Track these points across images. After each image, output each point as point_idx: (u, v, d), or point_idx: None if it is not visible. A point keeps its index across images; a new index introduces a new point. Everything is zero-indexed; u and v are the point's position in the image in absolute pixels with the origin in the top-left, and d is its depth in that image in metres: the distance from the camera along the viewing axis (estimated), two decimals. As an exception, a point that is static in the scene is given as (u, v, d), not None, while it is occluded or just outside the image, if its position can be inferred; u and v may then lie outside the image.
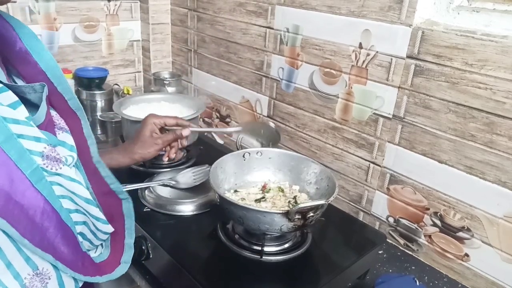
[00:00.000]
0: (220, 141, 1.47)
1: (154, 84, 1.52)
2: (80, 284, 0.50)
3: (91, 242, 0.51)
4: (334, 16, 0.99)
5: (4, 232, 0.39)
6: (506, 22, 0.75)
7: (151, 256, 0.84)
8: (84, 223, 0.49)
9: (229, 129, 0.97)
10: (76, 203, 0.47)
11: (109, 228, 0.51)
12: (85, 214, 0.48)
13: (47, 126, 0.47)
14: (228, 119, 1.43)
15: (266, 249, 0.79)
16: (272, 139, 0.94)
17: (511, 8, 0.75)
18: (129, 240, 0.57)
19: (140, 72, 1.71)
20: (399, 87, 0.90)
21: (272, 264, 0.79)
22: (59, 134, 0.49)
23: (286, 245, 0.83)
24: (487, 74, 0.76)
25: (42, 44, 0.50)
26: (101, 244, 0.54)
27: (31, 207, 0.41)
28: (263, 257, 0.79)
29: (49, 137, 0.45)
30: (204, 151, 1.25)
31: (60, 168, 0.44)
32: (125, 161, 0.86)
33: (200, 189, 1.00)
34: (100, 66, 1.56)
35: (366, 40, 0.94)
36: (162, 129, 0.88)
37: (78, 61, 1.52)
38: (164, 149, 0.89)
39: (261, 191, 0.92)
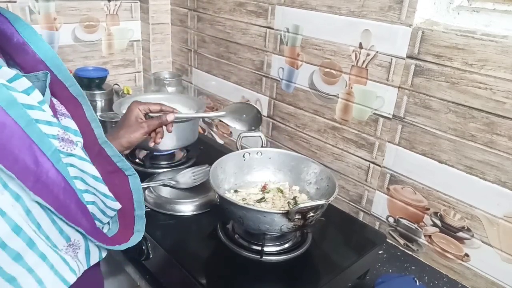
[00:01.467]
0: (220, 141, 1.47)
1: (154, 84, 1.51)
2: (104, 254, 0.53)
3: (100, 221, 0.53)
4: (334, 16, 0.99)
5: (42, 208, 0.42)
6: (506, 22, 0.75)
7: (151, 256, 0.84)
8: (94, 203, 0.52)
9: (212, 114, 0.97)
10: (86, 183, 0.49)
11: (117, 205, 0.54)
12: (94, 194, 0.51)
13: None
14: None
15: (266, 249, 0.79)
16: (255, 120, 0.95)
17: (511, 8, 0.75)
18: (139, 212, 0.59)
19: (140, 72, 1.71)
20: (399, 87, 0.90)
21: (272, 264, 0.79)
22: (61, 119, 0.51)
23: (286, 245, 0.83)
24: (487, 74, 0.76)
25: (38, 35, 0.52)
26: (108, 222, 0.57)
27: (55, 186, 0.43)
28: (263, 257, 0.79)
29: None
30: (204, 151, 1.25)
31: (74, 149, 0.47)
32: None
33: (200, 189, 1.00)
34: (100, 66, 1.56)
35: (366, 40, 0.94)
36: (147, 116, 0.88)
37: (78, 61, 1.52)
38: (150, 135, 0.89)
39: (261, 192, 0.92)
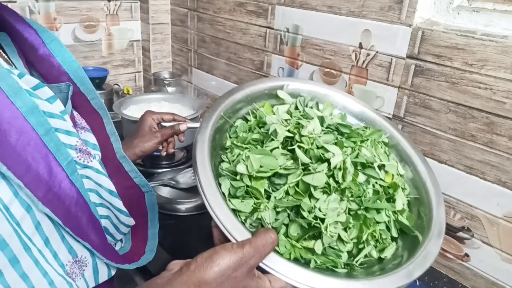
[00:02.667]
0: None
1: (154, 84, 1.52)
2: (113, 272, 0.51)
3: (113, 237, 0.53)
4: (334, 16, 0.99)
5: (51, 221, 0.41)
6: (506, 22, 0.75)
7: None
8: (107, 217, 0.51)
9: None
10: (101, 197, 0.49)
11: (131, 221, 0.53)
12: (108, 208, 0.50)
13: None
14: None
15: (266, 249, 0.79)
16: None
17: (511, 8, 0.75)
18: (153, 230, 0.59)
19: (140, 72, 1.71)
20: (399, 87, 0.90)
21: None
22: (81, 133, 0.50)
23: (286, 245, 0.83)
24: (487, 74, 0.76)
25: (64, 47, 0.52)
26: (121, 240, 0.56)
27: (67, 198, 0.42)
28: (263, 257, 0.78)
29: None
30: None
31: (91, 161, 0.46)
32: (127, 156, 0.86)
33: (200, 189, 1.00)
34: (100, 66, 1.56)
35: (366, 40, 0.94)
36: (159, 125, 0.90)
37: (78, 61, 1.49)
38: (161, 145, 0.90)
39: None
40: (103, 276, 0.49)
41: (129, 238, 0.57)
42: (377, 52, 0.92)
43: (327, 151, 0.52)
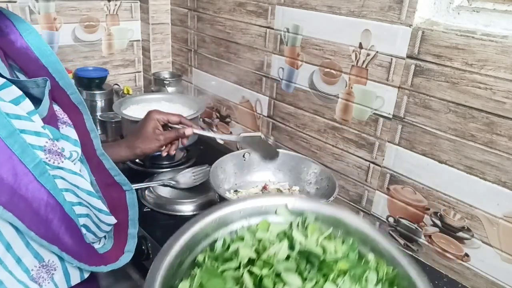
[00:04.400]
0: (220, 141, 1.47)
1: (154, 84, 1.52)
2: (86, 275, 0.50)
3: (95, 235, 0.52)
4: (334, 16, 0.99)
5: (13, 227, 0.40)
6: (506, 22, 0.75)
7: (151, 256, 0.84)
8: (87, 215, 0.50)
9: (228, 137, 0.96)
10: (78, 196, 0.48)
11: (112, 220, 0.52)
12: (87, 207, 0.49)
13: (50, 120, 0.47)
14: (228, 119, 1.43)
15: (266, 249, 0.79)
16: (270, 155, 0.93)
17: (511, 8, 0.75)
18: (133, 230, 0.58)
19: (140, 72, 1.71)
20: (399, 87, 0.90)
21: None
22: (62, 128, 0.49)
23: (286, 245, 0.83)
24: (487, 74, 0.76)
25: (42, 39, 0.51)
26: (105, 236, 0.55)
27: (35, 200, 0.41)
28: (263, 257, 0.78)
29: (52, 132, 0.45)
30: (204, 151, 1.25)
31: (62, 162, 0.45)
32: (126, 155, 0.85)
33: (200, 189, 1.00)
34: (100, 66, 1.56)
35: (366, 40, 0.94)
36: (165, 126, 0.87)
37: (78, 61, 1.52)
38: (165, 145, 0.89)
39: (261, 192, 0.92)
40: (76, 279, 0.49)
41: (112, 236, 0.56)
42: (377, 52, 0.92)
43: (282, 280, 0.46)
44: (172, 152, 0.90)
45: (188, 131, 0.85)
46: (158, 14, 1.57)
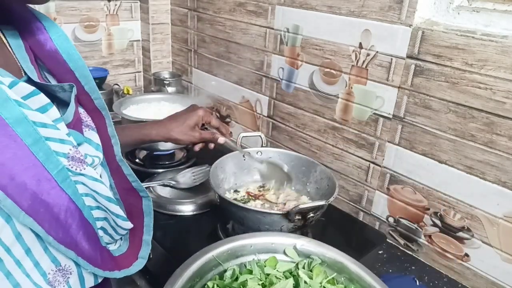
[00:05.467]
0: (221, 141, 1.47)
1: (154, 84, 1.52)
2: (100, 280, 0.51)
3: (111, 237, 0.53)
4: (334, 16, 0.99)
5: (33, 232, 0.41)
6: (506, 22, 0.75)
7: (151, 256, 0.84)
8: (105, 219, 0.51)
9: (255, 157, 0.96)
10: (97, 201, 0.49)
11: (128, 225, 0.53)
12: (105, 211, 0.50)
13: (75, 124, 0.49)
14: (228, 119, 1.43)
15: (266, 249, 0.79)
16: (285, 180, 0.95)
17: (511, 8, 0.75)
18: (147, 237, 0.59)
19: (140, 72, 1.71)
20: (399, 87, 0.90)
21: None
22: (85, 131, 0.50)
23: (286, 245, 0.83)
24: (487, 74, 0.76)
25: (71, 43, 0.51)
26: (120, 238, 0.56)
27: (55, 205, 0.42)
28: (263, 257, 0.78)
29: (75, 136, 0.47)
30: (204, 151, 1.25)
31: (84, 169, 0.46)
32: (157, 138, 0.87)
33: (200, 189, 1.00)
34: (100, 66, 1.56)
35: (366, 40, 0.94)
36: (203, 124, 0.90)
37: (78, 61, 1.52)
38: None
39: (259, 191, 0.92)
40: (89, 282, 0.50)
41: (127, 238, 0.57)
42: (377, 52, 0.92)
43: None
44: (197, 149, 0.92)
45: (221, 140, 0.90)
46: (158, 14, 1.57)
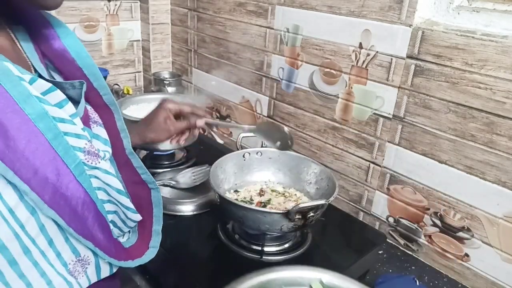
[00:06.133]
0: (220, 141, 1.47)
1: (154, 84, 1.52)
2: (115, 270, 0.54)
3: (120, 229, 0.54)
4: (334, 16, 0.99)
5: (55, 224, 0.43)
6: (506, 22, 0.75)
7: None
8: (115, 212, 0.52)
9: (243, 126, 0.93)
10: (109, 194, 0.50)
11: (138, 217, 0.54)
12: (116, 204, 0.52)
13: (84, 120, 0.50)
14: (228, 119, 1.43)
15: (266, 249, 0.79)
16: (284, 144, 0.92)
17: (511, 8, 0.75)
18: (157, 227, 0.60)
19: (140, 72, 1.71)
20: (399, 87, 0.90)
21: (272, 264, 0.79)
22: (93, 127, 0.51)
23: (286, 245, 0.83)
24: (487, 74, 0.76)
25: (79, 42, 0.52)
26: (129, 231, 0.57)
27: (73, 198, 0.44)
28: (263, 257, 0.79)
29: (87, 131, 0.48)
30: (204, 151, 1.25)
31: (99, 162, 0.48)
32: (135, 142, 0.84)
33: (200, 189, 1.00)
34: (100, 66, 1.56)
35: (366, 40, 0.94)
36: (178, 116, 0.86)
37: (78, 61, 1.52)
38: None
39: (259, 196, 0.92)
40: (105, 273, 0.52)
41: (136, 230, 0.59)
42: (377, 52, 0.92)
43: None
44: (182, 142, 0.89)
45: (200, 122, 0.84)
46: (158, 14, 1.57)
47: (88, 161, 0.46)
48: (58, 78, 0.53)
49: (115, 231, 0.53)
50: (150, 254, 0.58)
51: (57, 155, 0.42)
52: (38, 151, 0.40)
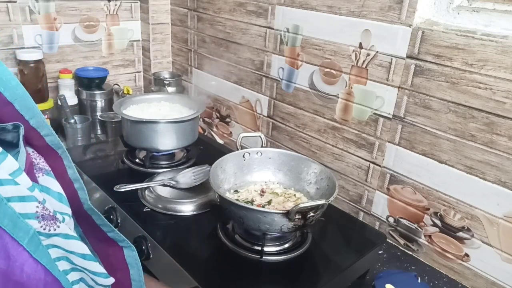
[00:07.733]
0: (220, 141, 1.47)
1: (154, 84, 1.52)
2: None
3: None
4: (334, 16, 0.99)
5: None
6: (506, 22, 0.75)
7: (151, 256, 0.84)
8: (81, 279, 0.44)
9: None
10: (72, 262, 0.42)
11: (110, 281, 0.45)
12: (82, 271, 0.43)
13: (28, 170, 0.40)
14: (228, 119, 1.43)
15: (266, 249, 0.79)
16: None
17: (511, 8, 0.75)
18: None
19: (140, 72, 1.71)
20: (399, 87, 0.90)
21: (272, 264, 0.79)
22: (39, 177, 0.41)
23: (286, 245, 0.83)
24: (487, 74, 0.76)
25: (4, 66, 0.38)
26: None
27: (32, 283, 0.35)
28: (263, 257, 0.79)
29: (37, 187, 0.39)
30: (204, 151, 1.25)
31: (58, 227, 0.38)
32: None
33: (200, 189, 1.00)
34: (100, 66, 1.56)
35: (366, 40, 0.94)
36: None
37: (78, 61, 1.52)
38: None
39: (259, 196, 0.92)
40: None
41: None
42: (377, 52, 0.92)
43: None
44: None
45: None
46: (158, 14, 1.57)
47: (44, 229, 0.37)
48: None
49: None
50: None
51: (4, 232, 0.32)
52: None
